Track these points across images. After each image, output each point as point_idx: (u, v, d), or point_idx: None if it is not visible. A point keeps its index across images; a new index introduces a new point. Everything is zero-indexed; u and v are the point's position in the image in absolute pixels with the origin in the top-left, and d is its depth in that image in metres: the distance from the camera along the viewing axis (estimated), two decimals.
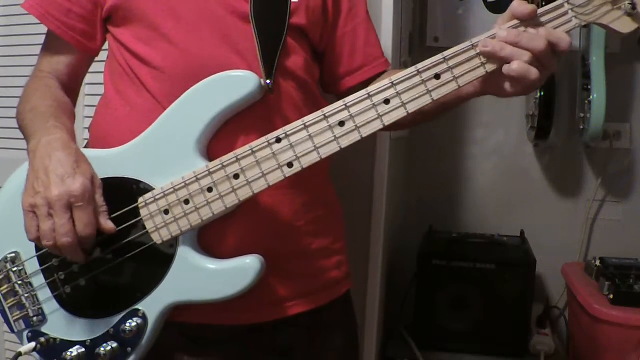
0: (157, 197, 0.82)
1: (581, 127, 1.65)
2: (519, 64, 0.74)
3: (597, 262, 1.55)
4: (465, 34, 1.88)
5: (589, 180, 1.84)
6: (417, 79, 0.76)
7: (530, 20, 0.76)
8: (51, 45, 0.97)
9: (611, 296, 1.40)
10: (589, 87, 1.57)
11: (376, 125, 0.77)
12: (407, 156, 1.87)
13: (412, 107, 0.77)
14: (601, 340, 1.40)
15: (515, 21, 0.76)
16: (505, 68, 0.75)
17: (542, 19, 0.76)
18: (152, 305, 0.83)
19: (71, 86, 0.98)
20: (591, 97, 1.56)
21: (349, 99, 0.78)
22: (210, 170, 0.80)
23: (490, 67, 0.76)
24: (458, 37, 1.88)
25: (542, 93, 1.63)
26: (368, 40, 1.01)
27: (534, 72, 0.74)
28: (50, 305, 0.87)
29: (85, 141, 0.98)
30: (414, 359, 1.54)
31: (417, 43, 1.88)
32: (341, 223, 1.03)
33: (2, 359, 1.80)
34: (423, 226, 1.82)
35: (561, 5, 0.76)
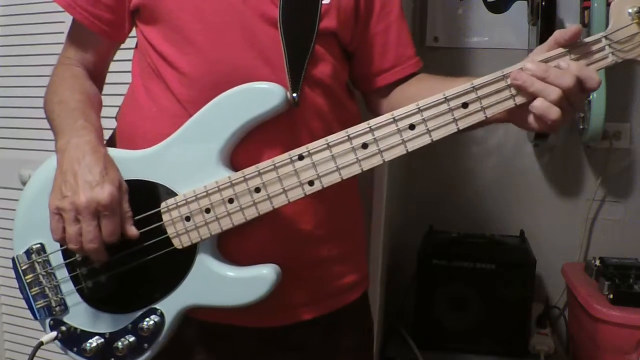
0: (179, 204, 0.83)
1: (581, 127, 1.65)
2: (541, 102, 0.72)
3: (597, 262, 1.56)
4: (465, 34, 1.88)
5: (589, 180, 1.84)
6: (444, 106, 0.76)
7: (564, 56, 0.74)
8: (77, 33, 0.96)
9: (611, 296, 1.40)
10: None
11: (399, 151, 0.77)
12: (407, 156, 1.87)
13: (437, 135, 0.76)
14: (601, 340, 1.40)
15: (547, 54, 0.74)
16: (530, 105, 0.73)
17: (578, 52, 0.74)
18: (170, 306, 0.85)
19: (98, 73, 0.98)
20: (591, 97, 1.56)
21: (373, 121, 0.77)
22: (233, 182, 0.81)
23: (520, 100, 0.74)
24: (458, 37, 1.88)
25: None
26: (400, 40, 0.98)
27: (554, 112, 0.72)
28: (72, 297, 0.89)
29: (110, 131, 0.98)
30: (414, 359, 1.54)
31: (417, 43, 1.87)
32: (362, 223, 1.02)
33: (1, 355, 1.80)
34: (423, 226, 1.82)
35: (599, 41, 0.74)
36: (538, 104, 0.73)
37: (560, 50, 0.74)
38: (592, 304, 1.40)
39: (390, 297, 1.65)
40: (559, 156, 1.86)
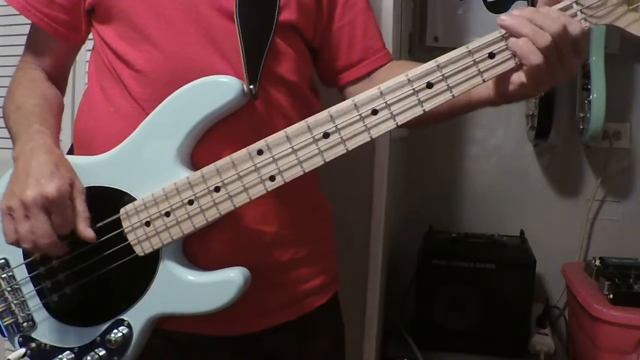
0: (138, 209, 0.80)
1: (581, 127, 1.65)
2: (524, 42, 0.68)
3: (597, 262, 1.55)
4: (465, 34, 1.87)
5: (589, 180, 1.84)
6: (408, 88, 0.72)
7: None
8: (35, 37, 0.94)
9: (611, 296, 1.39)
10: (589, 87, 1.57)
11: (363, 138, 0.74)
12: (407, 156, 1.87)
13: (402, 119, 0.73)
14: (601, 340, 1.40)
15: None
16: (511, 42, 0.69)
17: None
18: (137, 316, 0.83)
19: (58, 76, 0.96)
20: (591, 97, 1.56)
21: (334, 109, 0.74)
22: (191, 182, 0.78)
23: (488, 75, 0.71)
24: (458, 37, 1.88)
25: (542, 93, 1.63)
26: (367, 32, 0.95)
27: (537, 57, 0.68)
28: (40, 312, 0.87)
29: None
30: (414, 359, 1.54)
31: (417, 43, 1.88)
32: (330, 224, 1.00)
33: (1, 356, 1.80)
34: (423, 226, 1.82)
35: (569, 7, 0.70)
36: (521, 42, 0.68)
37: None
38: (592, 304, 1.40)
39: (390, 297, 1.65)
40: (559, 156, 1.86)
